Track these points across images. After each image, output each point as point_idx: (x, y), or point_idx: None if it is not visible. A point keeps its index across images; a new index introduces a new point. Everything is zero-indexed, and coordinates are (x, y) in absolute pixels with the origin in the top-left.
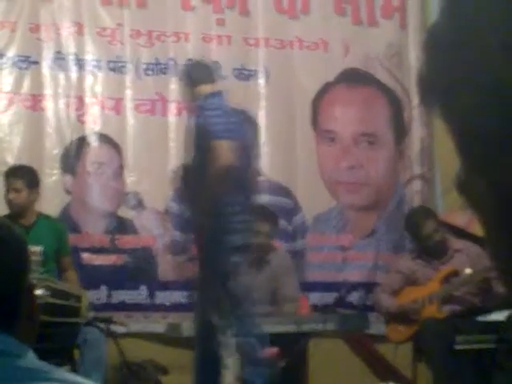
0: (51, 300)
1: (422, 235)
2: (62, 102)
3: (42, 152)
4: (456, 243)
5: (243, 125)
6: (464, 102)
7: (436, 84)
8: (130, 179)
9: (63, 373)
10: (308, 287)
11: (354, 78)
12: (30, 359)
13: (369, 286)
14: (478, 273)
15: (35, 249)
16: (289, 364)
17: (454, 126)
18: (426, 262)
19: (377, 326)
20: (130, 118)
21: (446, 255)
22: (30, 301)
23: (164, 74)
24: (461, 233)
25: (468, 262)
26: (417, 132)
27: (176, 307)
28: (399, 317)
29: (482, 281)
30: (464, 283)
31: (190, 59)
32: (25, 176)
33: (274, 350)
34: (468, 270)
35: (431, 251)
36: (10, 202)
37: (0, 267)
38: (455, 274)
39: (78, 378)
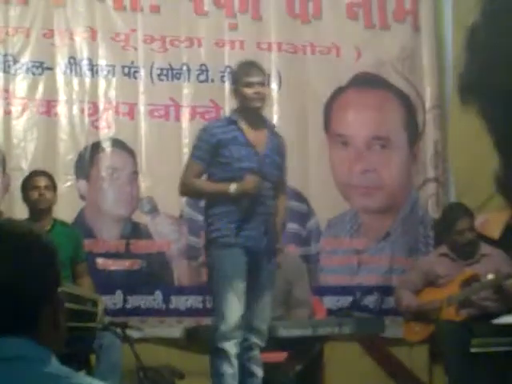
0: (68, 305)
1: (456, 230)
2: (75, 108)
3: (56, 157)
4: (485, 248)
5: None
6: (504, 102)
7: (476, 83)
8: (144, 184)
9: (85, 378)
10: (323, 291)
11: (366, 82)
12: (54, 364)
13: (384, 290)
14: (499, 279)
15: None
16: (305, 368)
17: (493, 125)
18: (451, 261)
19: (392, 330)
20: (144, 123)
21: (473, 257)
22: (56, 309)
23: (177, 79)
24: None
25: (493, 268)
26: (430, 135)
27: (191, 312)
28: (417, 317)
29: (502, 287)
30: (484, 288)
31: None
32: (47, 176)
33: (283, 354)
34: (490, 276)
35: (460, 249)
36: (34, 202)
37: (25, 274)
38: (476, 278)
39: (99, 383)
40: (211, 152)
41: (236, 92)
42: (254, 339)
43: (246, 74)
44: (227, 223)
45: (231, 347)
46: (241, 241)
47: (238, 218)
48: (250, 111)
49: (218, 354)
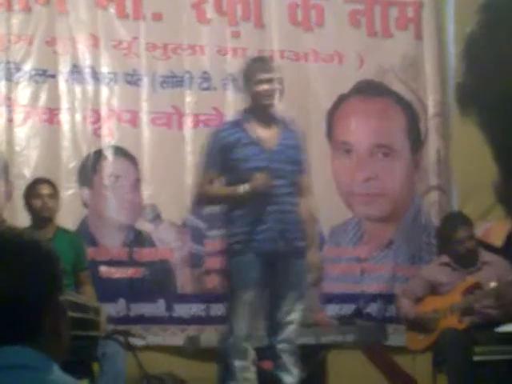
0: (69, 313)
1: (455, 239)
2: (78, 116)
3: (58, 165)
4: (486, 256)
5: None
6: (504, 113)
7: (475, 94)
8: (146, 192)
9: None
10: (326, 299)
11: (369, 89)
12: (55, 373)
13: (387, 298)
14: (501, 286)
15: None
16: (308, 376)
17: (493, 135)
18: (452, 270)
19: (395, 338)
20: (147, 130)
21: (474, 266)
22: (57, 317)
23: (180, 86)
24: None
25: (495, 275)
26: (433, 143)
27: (194, 320)
28: (419, 326)
29: (504, 294)
30: (486, 296)
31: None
32: (50, 184)
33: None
34: (493, 284)
35: (461, 258)
36: (37, 210)
37: (26, 282)
38: (478, 286)
39: None
40: (221, 157)
41: (248, 90)
42: (280, 346)
43: (259, 71)
44: (240, 227)
45: (239, 362)
46: (255, 245)
47: (250, 220)
48: (261, 109)
49: (227, 369)
